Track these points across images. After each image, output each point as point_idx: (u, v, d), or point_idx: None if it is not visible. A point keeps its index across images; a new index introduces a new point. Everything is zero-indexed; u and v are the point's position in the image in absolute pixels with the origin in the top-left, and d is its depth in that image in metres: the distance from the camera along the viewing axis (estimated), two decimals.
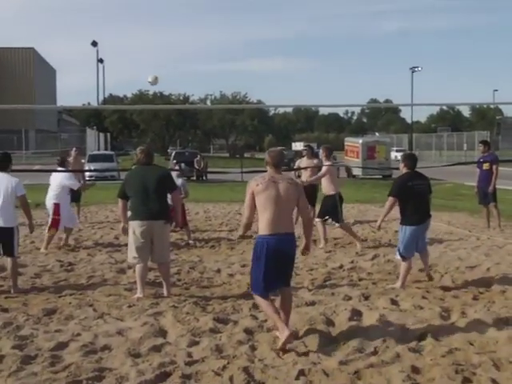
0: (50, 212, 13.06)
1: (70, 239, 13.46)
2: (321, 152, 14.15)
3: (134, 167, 9.75)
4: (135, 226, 8.78)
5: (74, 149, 17.67)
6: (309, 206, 8.00)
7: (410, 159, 9.72)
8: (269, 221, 6.66)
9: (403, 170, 9.60)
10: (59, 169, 13.37)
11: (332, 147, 14.95)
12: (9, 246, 9.24)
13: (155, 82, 12.15)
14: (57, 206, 12.94)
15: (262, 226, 6.71)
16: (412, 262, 9.59)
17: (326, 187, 13.17)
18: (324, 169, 13.33)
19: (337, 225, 13.32)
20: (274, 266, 6.68)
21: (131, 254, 8.90)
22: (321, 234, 13.17)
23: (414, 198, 9.29)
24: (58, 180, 13.16)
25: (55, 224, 12.93)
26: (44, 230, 13.37)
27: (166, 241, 9.16)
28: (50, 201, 13.11)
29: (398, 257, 9.58)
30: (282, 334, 6.51)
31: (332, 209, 13.04)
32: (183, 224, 13.48)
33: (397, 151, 72.76)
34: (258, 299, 6.92)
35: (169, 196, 9.26)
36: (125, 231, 9.13)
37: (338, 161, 46.14)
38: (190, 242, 13.46)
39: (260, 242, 6.73)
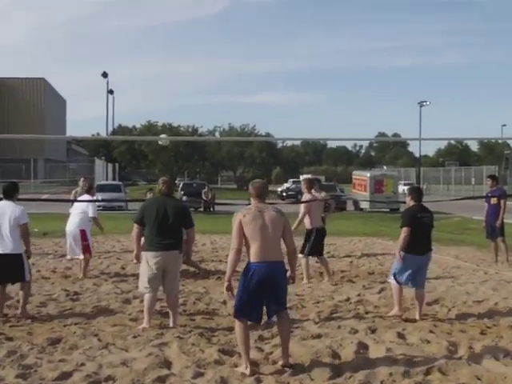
0: (74, 239, 13.11)
1: (76, 269, 13.47)
2: (302, 184, 14.09)
3: (150, 196, 9.75)
4: (149, 257, 8.77)
5: (82, 178, 17.73)
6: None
7: (417, 192, 9.98)
8: (258, 249, 6.75)
9: (410, 202, 9.80)
10: (78, 198, 13.63)
11: (314, 179, 14.88)
12: (20, 271, 9.30)
13: None
14: (83, 232, 13.09)
15: (252, 254, 6.79)
16: (402, 288, 9.68)
17: (305, 221, 13.06)
18: (302, 206, 13.12)
19: (300, 255, 12.70)
20: (262, 294, 6.74)
21: (143, 283, 8.88)
22: (304, 270, 12.91)
23: (420, 230, 9.49)
24: (83, 207, 13.32)
25: (87, 249, 13.10)
26: (49, 260, 13.35)
27: (177, 272, 9.18)
28: (73, 227, 13.19)
29: (392, 280, 9.71)
30: (245, 370, 6.70)
31: (304, 241, 12.95)
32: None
33: (404, 185, 72.61)
34: (237, 324, 6.93)
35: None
36: (138, 258, 9.13)
37: (346, 194, 46.25)
38: (200, 273, 13.42)
39: (250, 269, 6.77)
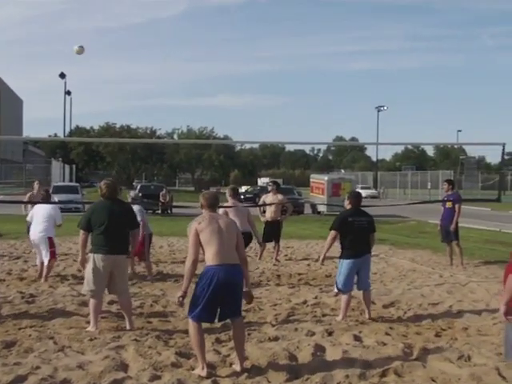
0: (43, 246, 12.93)
1: (31, 271, 13.35)
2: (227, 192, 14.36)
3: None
4: (98, 260, 8.70)
5: (37, 182, 17.52)
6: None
7: (354, 197, 10.15)
8: (215, 252, 6.77)
9: (347, 206, 10.02)
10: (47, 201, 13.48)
11: (237, 187, 15.41)
12: None
13: (81, 51, 11.59)
14: (50, 239, 12.96)
15: (209, 258, 6.79)
16: (350, 296, 9.77)
17: None
18: (221, 211, 13.22)
19: None
20: (218, 296, 6.72)
21: (88, 286, 8.79)
22: None
23: (353, 233, 9.64)
24: (47, 212, 13.14)
25: (54, 255, 13.02)
26: (4, 262, 13.17)
27: (126, 274, 9.22)
28: (41, 234, 12.97)
29: (336, 290, 9.89)
30: (202, 371, 6.74)
31: None
32: (142, 257, 13.39)
33: (362, 188, 73.28)
34: (191, 325, 6.91)
35: None
36: (83, 264, 9.09)
37: (304, 197, 46.39)
38: (149, 277, 13.32)
39: (208, 271, 6.76)
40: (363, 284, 9.85)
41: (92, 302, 8.79)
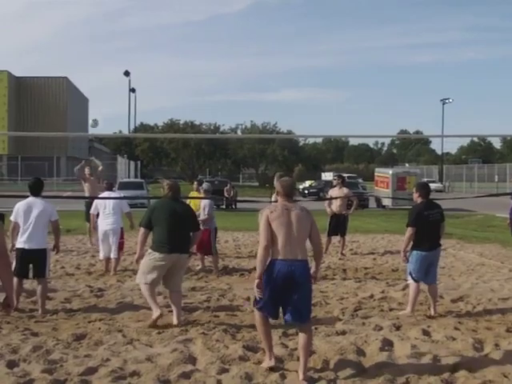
0: (114, 238, 13.22)
1: (99, 265, 13.56)
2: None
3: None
4: (157, 257, 8.82)
5: (87, 167, 18.05)
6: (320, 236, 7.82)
7: (424, 189, 9.90)
8: (280, 246, 6.65)
9: (418, 199, 9.74)
10: (110, 194, 13.68)
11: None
12: (41, 267, 9.43)
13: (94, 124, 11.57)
14: (121, 230, 13.31)
15: (275, 251, 6.70)
16: (419, 287, 9.63)
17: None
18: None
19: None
20: (281, 291, 6.62)
21: (144, 279, 8.89)
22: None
23: (427, 227, 9.47)
24: (114, 203, 13.40)
25: (122, 246, 13.33)
26: (73, 257, 13.40)
27: (183, 271, 9.44)
28: (113, 225, 13.27)
29: (410, 280, 9.64)
30: (269, 361, 6.76)
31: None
32: (209, 251, 13.48)
33: (427, 182, 72.26)
34: (256, 315, 6.90)
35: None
36: (139, 261, 9.22)
37: (368, 191, 46.05)
38: (215, 271, 13.40)
39: (272, 265, 6.69)
40: (432, 277, 9.68)
41: (144, 288, 8.89)
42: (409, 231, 9.54)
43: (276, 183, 7.15)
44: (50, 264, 9.72)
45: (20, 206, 9.54)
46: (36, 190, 9.59)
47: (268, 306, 6.74)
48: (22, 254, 9.39)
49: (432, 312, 9.54)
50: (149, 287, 8.83)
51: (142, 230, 9.11)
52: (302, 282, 6.69)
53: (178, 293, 9.08)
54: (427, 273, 9.60)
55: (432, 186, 72.49)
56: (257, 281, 6.69)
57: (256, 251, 15.70)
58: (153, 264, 8.82)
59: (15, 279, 9.32)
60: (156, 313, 8.64)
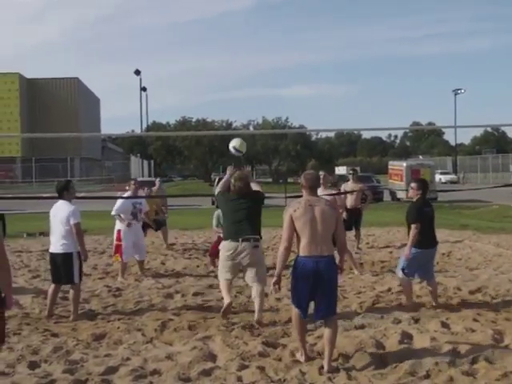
0: (144, 241, 13.45)
1: (116, 265, 13.55)
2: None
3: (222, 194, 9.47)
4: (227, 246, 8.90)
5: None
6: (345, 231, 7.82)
7: (427, 186, 9.83)
8: (306, 243, 6.67)
9: (416, 195, 9.65)
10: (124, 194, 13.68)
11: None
12: (68, 272, 9.15)
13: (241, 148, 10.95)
14: (118, 232, 12.96)
15: (301, 248, 6.73)
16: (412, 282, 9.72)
17: None
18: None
19: None
20: (309, 288, 6.67)
21: (221, 275, 9.07)
22: None
23: (426, 224, 9.41)
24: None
25: (118, 250, 12.85)
26: (90, 257, 13.40)
27: (262, 262, 9.25)
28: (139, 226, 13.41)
29: (401, 274, 9.55)
30: (301, 357, 6.88)
31: None
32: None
33: (441, 174, 72.17)
34: (292, 311, 6.98)
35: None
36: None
37: (383, 184, 45.96)
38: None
39: (298, 262, 6.73)
40: (430, 274, 9.67)
41: (222, 283, 8.98)
42: (415, 228, 9.33)
43: (302, 176, 7.13)
44: (78, 269, 9.26)
45: (51, 209, 9.45)
46: (58, 192, 9.37)
47: (299, 303, 6.80)
48: (50, 258, 9.36)
49: (434, 304, 9.59)
50: (225, 282, 8.96)
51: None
52: (329, 278, 6.72)
53: (260, 285, 8.86)
54: (425, 270, 9.57)
55: (446, 177, 72.01)
56: (275, 278, 6.76)
57: (272, 247, 15.75)
58: (225, 256, 8.96)
59: (52, 285, 9.33)
60: (227, 300, 8.70)
